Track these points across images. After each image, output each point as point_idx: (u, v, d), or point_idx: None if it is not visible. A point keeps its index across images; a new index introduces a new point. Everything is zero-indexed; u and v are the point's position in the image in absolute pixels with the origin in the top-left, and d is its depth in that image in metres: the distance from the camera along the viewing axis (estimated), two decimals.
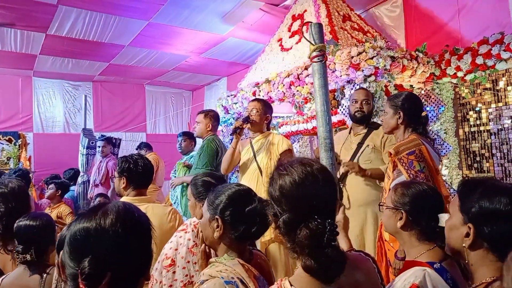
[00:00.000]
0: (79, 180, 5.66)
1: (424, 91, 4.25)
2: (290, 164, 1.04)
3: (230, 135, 3.47)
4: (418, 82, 4.01)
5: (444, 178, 3.69)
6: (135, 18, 5.24)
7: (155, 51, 6.63)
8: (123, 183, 2.16)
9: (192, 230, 1.81)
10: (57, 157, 7.21)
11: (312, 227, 0.94)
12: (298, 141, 5.46)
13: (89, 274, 0.86)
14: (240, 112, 4.99)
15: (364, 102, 2.92)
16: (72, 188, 5.67)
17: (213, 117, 3.63)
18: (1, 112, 7.56)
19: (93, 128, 7.61)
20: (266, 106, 3.02)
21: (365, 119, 2.94)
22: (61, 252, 0.94)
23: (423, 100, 4.17)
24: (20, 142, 6.03)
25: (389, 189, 2.19)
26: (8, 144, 6.05)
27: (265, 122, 2.99)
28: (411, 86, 4.13)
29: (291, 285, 0.97)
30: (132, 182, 2.15)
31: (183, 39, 6.10)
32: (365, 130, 2.93)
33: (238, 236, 1.34)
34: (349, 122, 3.34)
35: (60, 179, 4.74)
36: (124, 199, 2.21)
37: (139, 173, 2.14)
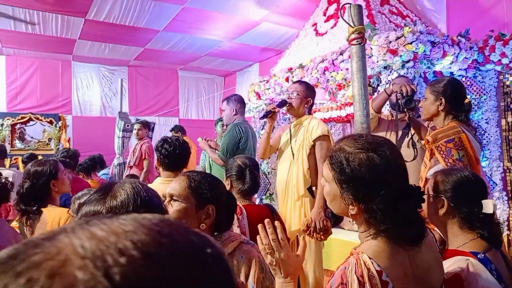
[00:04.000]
0: (115, 161, 5.86)
1: (465, 78, 4.06)
2: (362, 141, 0.99)
3: (260, 118, 3.44)
4: (459, 69, 3.84)
5: (484, 169, 3.55)
6: (170, 2, 5.28)
7: (189, 36, 6.69)
8: (157, 163, 2.25)
9: None
10: (95, 139, 7.47)
11: (411, 196, 0.94)
12: (331, 128, 5.40)
13: None
14: (273, 98, 4.97)
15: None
16: (105, 171, 5.88)
17: (235, 101, 3.62)
18: (42, 95, 7.90)
19: (128, 112, 7.82)
20: (308, 89, 2.91)
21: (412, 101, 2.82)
22: None
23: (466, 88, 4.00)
24: (61, 124, 6.28)
25: (426, 178, 2.13)
26: (49, 126, 6.33)
27: (305, 105, 2.87)
28: (451, 73, 3.96)
29: (370, 259, 0.92)
30: (162, 163, 2.21)
31: (216, 24, 6.11)
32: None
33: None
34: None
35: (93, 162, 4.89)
36: (156, 180, 2.28)
37: (166, 155, 2.20)
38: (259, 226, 1.10)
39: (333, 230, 2.98)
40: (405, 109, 2.45)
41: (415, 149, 2.43)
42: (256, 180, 2.17)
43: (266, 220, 1.11)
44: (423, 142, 2.59)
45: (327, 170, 1.06)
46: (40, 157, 4.78)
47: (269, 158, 4.28)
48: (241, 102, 3.68)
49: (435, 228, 1.42)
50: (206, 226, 1.31)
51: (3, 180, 1.94)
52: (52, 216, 2.06)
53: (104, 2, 5.22)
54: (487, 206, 1.19)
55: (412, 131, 2.60)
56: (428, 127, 2.59)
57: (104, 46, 7.20)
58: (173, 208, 1.31)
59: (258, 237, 1.11)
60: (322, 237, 2.64)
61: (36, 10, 5.45)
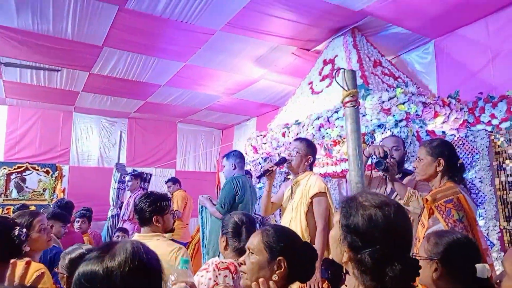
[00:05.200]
0: (109, 213, 5.79)
1: (458, 138, 4.17)
2: (374, 197, 1.03)
3: (257, 177, 3.50)
4: (451, 128, 3.95)
5: (480, 229, 3.53)
6: (173, 60, 5.52)
7: (189, 91, 6.91)
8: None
9: (214, 270, 1.84)
10: (90, 190, 7.43)
11: (406, 265, 0.93)
12: (327, 183, 5.41)
13: None
14: (269, 152, 5.04)
15: (394, 148, 2.89)
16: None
17: (234, 156, 3.70)
18: (41, 144, 7.96)
19: (125, 163, 7.85)
20: (308, 147, 3.00)
21: (397, 165, 2.88)
22: None
23: (456, 148, 4.09)
24: (57, 174, 6.28)
25: (424, 238, 2.12)
26: (45, 176, 6.32)
27: (305, 163, 2.95)
28: (444, 132, 4.07)
29: None
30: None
31: (216, 80, 6.34)
32: (399, 176, 2.88)
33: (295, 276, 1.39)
34: None
35: (90, 213, 4.86)
36: (135, 236, 2.29)
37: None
38: (254, 284, 1.12)
39: None
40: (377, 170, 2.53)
41: None
42: None
43: (261, 280, 1.12)
44: (413, 201, 2.58)
45: (338, 215, 1.10)
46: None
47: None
48: (240, 157, 3.77)
49: None
50: (278, 277, 1.37)
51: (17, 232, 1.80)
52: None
53: (110, 58, 5.45)
54: (481, 270, 1.18)
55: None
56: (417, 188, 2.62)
57: (106, 99, 7.39)
58: (249, 260, 1.44)
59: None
60: None
61: (43, 64, 5.67)
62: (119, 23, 4.45)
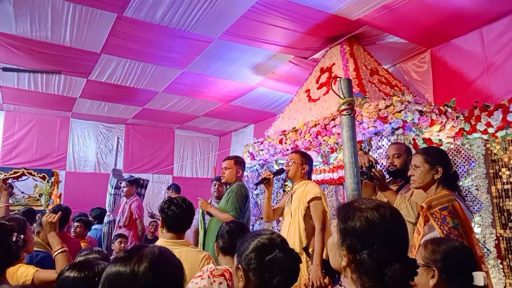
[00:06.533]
0: (105, 219, 5.76)
1: (454, 145, 4.19)
2: (369, 201, 1.06)
3: (255, 184, 3.60)
4: (448, 136, 3.98)
5: (477, 236, 3.54)
6: (171, 67, 5.55)
7: (187, 98, 6.92)
8: (161, 223, 2.23)
9: (208, 277, 1.83)
10: (86, 196, 7.40)
11: (405, 264, 0.95)
12: (324, 190, 5.41)
13: None
14: (266, 159, 5.05)
15: (395, 156, 2.90)
16: (97, 226, 5.76)
17: (242, 164, 3.72)
18: (38, 150, 7.95)
19: (122, 168, 7.83)
20: (303, 157, 3.20)
21: (399, 173, 2.87)
22: None
23: (453, 155, 4.12)
24: (53, 180, 6.25)
25: (419, 245, 2.13)
26: (41, 181, 6.29)
27: (301, 171, 3.13)
28: (440, 140, 4.10)
29: None
30: (166, 224, 2.19)
31: (214, 87, 6.37)
32: (401, 183, 2.88)
33: (259, 286, 1.29)
34: None
35: (86, 217, 4.84)
36: (159, 241, 2.24)
37: (170, 216, 2.18)
38: None
39: None
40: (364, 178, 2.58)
41: None
42: None
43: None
44: (403, 209, 2.57)
45: (335, 221, 1.11)
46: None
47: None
48: (245, 167, 3.82)
49: None
50: None
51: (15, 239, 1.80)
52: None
53: (107, 65, 5.47)
54: (478, 278, 1.19)
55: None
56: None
57: (103, 105, 7.40)
58: None
59: None
60: None
61: (41, 70, 5.68)
62: (117, 30, 4.47)
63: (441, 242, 1.41)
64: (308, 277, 2.78)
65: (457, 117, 3.89)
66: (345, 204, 1.11)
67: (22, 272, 1.96)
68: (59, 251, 2.09)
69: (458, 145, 4.18)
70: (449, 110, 3.86)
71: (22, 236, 1.83)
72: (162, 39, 4.71)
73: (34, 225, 3.61)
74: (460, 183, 3.99)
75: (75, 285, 1.33)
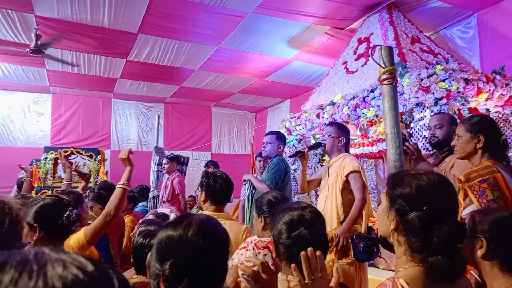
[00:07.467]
0: (150, 195, 6.01)
1: (502, 115, 3.98)
2: (418, 169, 1.11)
3: (289, 157, 3.62)
4: (496, 105, 3.77)
5: None
6: (206, 44, 5.57)
7: (223, 75, 6.96)
8: (203, 197, 2.29)
9: (253, 248, 1.85)
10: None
11: (453, 226, 0.97)
12: (363, 164, 5.34)
13: (168, 276, 0.96)
14: (303, 134, 5.03)
15: (437, 127, 2.80)
16: (144, 203, 6.03)
17: (283, 139, 3.74)
18: (84, 130, 8.35)
19: (163, 146, 8.08)
20: (339, 129, 3.12)
21: (441, 144, 2.78)
22: (149, 254, 1.04)
23: (501, 125, 3.91)
24: (100, 158, 6.56)
25: (461, 217, 2.07)
26: (89, 160, 6.62)
27: (338, 144, 3.07)
28: (487, 109, 3.90)
29: (407, 283, 0.97)
30: (210, 197, 2.26)
31: (249, 63, 6.35)
32: (444, 155, 2.79)
33: (288, 259, 1.30)
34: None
35: (132, 193, 5.06)
36: (208, 212, 2.32)
37: (215, 189, 2.24)
38: (302, 254, 1.11)
39: (368, 269, 2.95)
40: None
41: None
42: None
43: (309, 249, 1.12)
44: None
45: (383, 195, 1.14)
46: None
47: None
48: (285, 142, 3.84)
49: (472, 272, 1.38)
50: None
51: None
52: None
53: (145, 45, 5.58)
54: None
55: None
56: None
57: (142, 85, 7.60)
58: None
59: (293, 266, 1.12)
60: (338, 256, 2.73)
61: (82, 52, 5.89)
62: (153, 9, 4.53)
63: (489, 212, 1.37)
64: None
65: (507, 85, 3.67)
66: (394, 173, 1.13)
67: (74, 238, 2.07)
68: (121, 187, 2.24)
69: (507, 114, 3.96)
70: (498, 77, 3.64)
71: (74, 211, 1.95)
72: (197, 16, 4.73)
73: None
74: (510, 154, 3.80)
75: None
